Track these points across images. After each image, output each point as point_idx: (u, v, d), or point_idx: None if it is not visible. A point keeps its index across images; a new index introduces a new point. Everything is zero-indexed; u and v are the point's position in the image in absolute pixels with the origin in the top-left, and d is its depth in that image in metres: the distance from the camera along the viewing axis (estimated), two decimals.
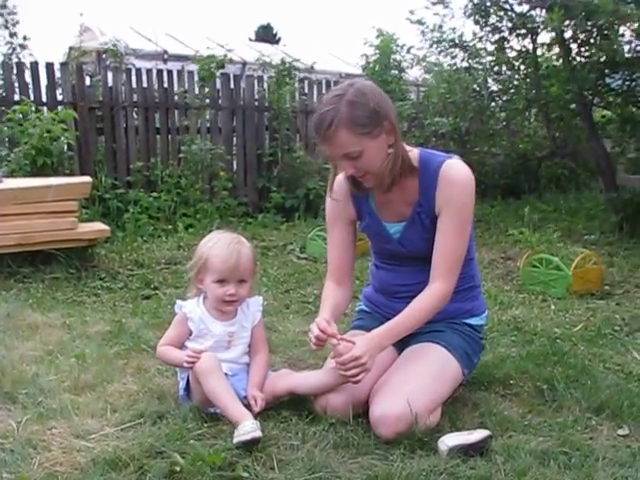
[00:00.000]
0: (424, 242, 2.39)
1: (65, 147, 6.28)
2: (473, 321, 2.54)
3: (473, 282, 2.56)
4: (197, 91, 7.47)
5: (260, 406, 2.28)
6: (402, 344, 2.43)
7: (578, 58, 6.58)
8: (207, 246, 2.41)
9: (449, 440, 2.08)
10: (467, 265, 2.45)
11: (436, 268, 2.35)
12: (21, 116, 5.95)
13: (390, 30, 9.53)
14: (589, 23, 5.72)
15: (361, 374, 2.18)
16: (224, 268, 2.36)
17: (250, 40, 18.94)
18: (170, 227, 6.61)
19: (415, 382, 2.23)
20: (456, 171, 2.34)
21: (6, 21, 7.67)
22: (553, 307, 3.94)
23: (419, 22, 7.26)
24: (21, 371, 2.77)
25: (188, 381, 2.38)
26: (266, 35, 26.18)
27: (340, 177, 2.48)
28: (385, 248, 2.54)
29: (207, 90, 7.45)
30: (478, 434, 2.11)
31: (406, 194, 2.40)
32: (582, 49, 6.48)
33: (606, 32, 5.84)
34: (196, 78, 7.51)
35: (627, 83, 6.41)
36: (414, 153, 2.40)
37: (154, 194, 6.89)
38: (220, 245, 2.38)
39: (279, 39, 25.94)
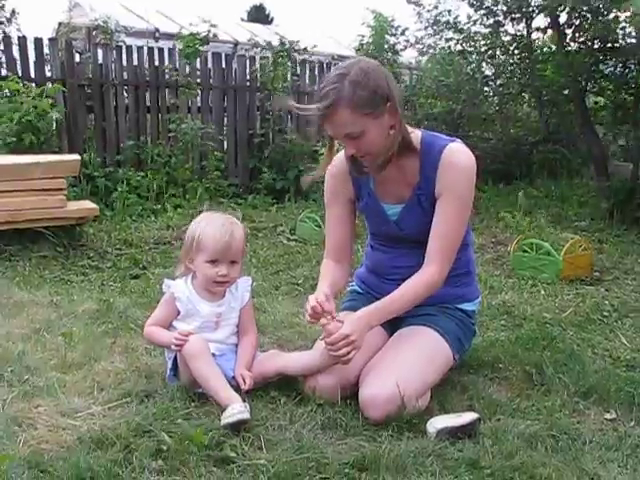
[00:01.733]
0: (422, 225, 2.37)
1: (54, 124, 6.21)
2: (466, 306, 2.53)
3: (468, 268, 2.55)
4: (187, 70, 7.38)
5: (249, 384, 2.27)
6: (393, 326, 2.43)
7: (573, 43, 6.56)
8: (200, 226, 2.39)
9: (437, 422, 2.08)
10: (463, 250, 2.44)
11: (431, 252, 2.33)
12: (8, 92, 5.86)
13: (385, 12, 9.48)
14: (584, 8, 5.69)
15: (351, 353, 2.17)
16: (217, 248, 2.33)
17: (242, 20, 18.81)
18: (159, 207, 6.56)
19: (405, 365, 2.23)
20: (459, 155, 2.32)
21: None
22: (543, 292, 3.95)
23: (415, 3, 7.22)
24: (7, 349, 2.75)
25: (175, 361, 2.36)
26: (258, 15, 25.94)
27: (341, 154, 2.44)
28: (382, 229, 2.52)
29: (188, 70, 7.34)
30: (466, 417, 2.11)
31: (406, 175, 2.37)
32: (577, 34, 6.46)
33: (601, 17, 5.82)
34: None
35: (620, 70, 6.40)
36: (416, 135, 2.37)
37: (143, 173, 6.83)
38: (214, 225, 2.36)
39: (272, 19, 25.73)
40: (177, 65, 7.35)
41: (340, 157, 2.46)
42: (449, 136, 2.43)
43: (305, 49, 8.48)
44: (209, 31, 7.43)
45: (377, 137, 2.21)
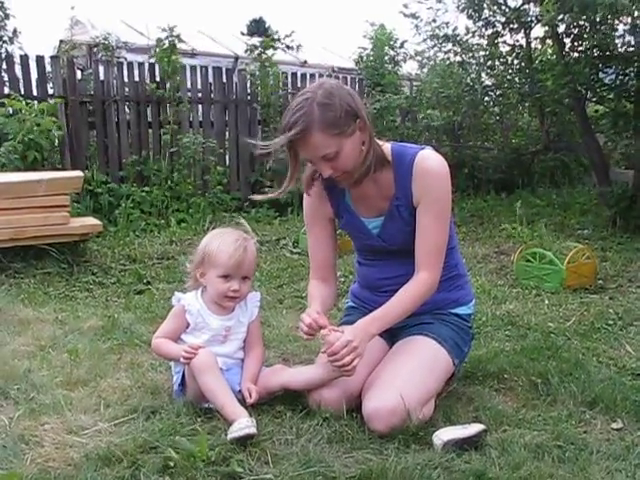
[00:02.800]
0: (404, 235, 2.39)
1: (56, 140, 6.24)
2: (460, 310, 2.54)
3: (457, 271, 2.56)
4: (189, 84, 7.39)
5: (254, 399, 2.27)
6: (392, 338, 2.45)
7: (572, 53, 6.57)
8: (214, 240, 2.41)
9: (444, 434, 2.08)
10: (449, 254, 2.44)
11: (420, 259, 2.36)
12: (11, 110, 5.90)
13: (384, 24, 9.53)
14: (583, 17, 5.71)
15: (355, 360, 2.17)
16: (230, 264, 2.35)
17: (242, 34, 18.87)
18: (162, 222, 6.58)
19: (407, 375, 2.24)
20: (431, 161, 2.34)
21: None
22: (547, 301, 3.95)
23: (413, 16, 7.25)
24: (13, 367, 2.75)
25: (183, 376, 2.37)
26: (258, 29, 26.05)
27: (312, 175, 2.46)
28: (366, 244, 2.54)
29: (190, 84, 7.32)
30: (473, 428, 2.11)
31: (382, 188, 2.40)
32: (576, 43, 6.48)
33: (599, 27, 5.84)
34: (188, 72, 7.43)
35: (620, 78, 6.41)
36: (386, 147, 2.40)
37: (146, 189, 6.86)
38: (228, 241, 2.38)
39: (271, 33, 25.85)
40: (157, 79, 7.34)
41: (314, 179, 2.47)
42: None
43: (305, 62, 8.52)
44: (169, 35, 7.33)
45: (351, 154, 2.24)
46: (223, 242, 2.38)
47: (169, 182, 7.00)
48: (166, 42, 7.30)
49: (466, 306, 2.57)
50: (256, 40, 8.13)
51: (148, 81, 7.23)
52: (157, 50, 7.29)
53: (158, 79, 7.32)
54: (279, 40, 8.14)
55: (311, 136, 2.17)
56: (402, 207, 2.38)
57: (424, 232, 2.34)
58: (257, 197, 2.73)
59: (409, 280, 2.36)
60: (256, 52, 7.98)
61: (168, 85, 7.29)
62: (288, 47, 8.43)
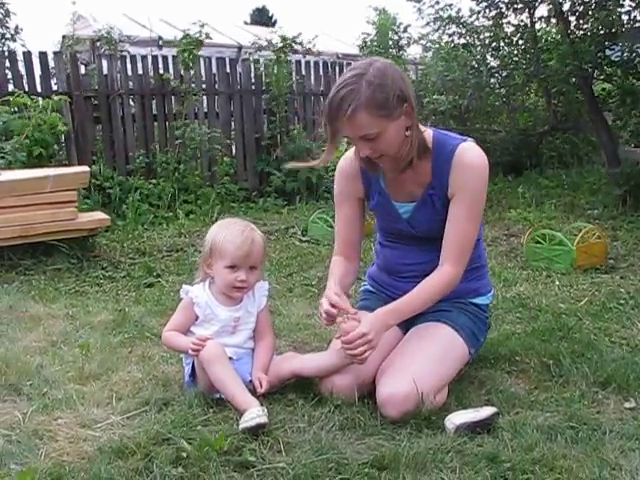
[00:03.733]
0: (433, 223, 2.37)
1: (62, 137, 6.25)
2: (479, 300, 2.53)
3: (479, 262, 2.55)
4: (192, 73, 7.37)
5: (265, 388, 2.28)
6: (408, 324, 2.42)
7: (577, 31, 6.52)
8: (221, 231, 2.41)
9: (456, 418, 2.08)
10: (474, 246, 2.43)
11: (446, 252, 2.33)
12: (16, 108, 5.90)
13: (386, 8, 9.49)
14: None
15: (367, 352, 2.17)
16: (237, 254, 2.35)
17: (245, 23, 18.83)
18: (171, 214, 6.58)
19: (421, 361, 2.23)
20: (471, 155, 2.31)
21: None
22: (557, 282, 3.93)
23: None
24: (25, 362, 2.76)
25: (194, 367, 2.37)
26: (261, 18, 26.01)
27: (348, 154, 2.44)
28: (393, 227, 2.51)
29: (193, 73, 7.33)
30: (485, 411, 2.11)
31: (418, 175, 2.36)
32: (581, 21, 6.42)
33: (605, 3, 5.78)
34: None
35: (627, 55, 6.35)
36: (428, 134, 2.35)
37: (154, 181, 6.86)
38: (234, 231, 2.38)
39: (275, 22, 25.77)
40: (181, 72, 7.36)
41: (349, 156, 2.45)
42: (460, 134, 2.42)
43: (309, 49, 8.47)
44: (200, 31, 7.35)
45: (393, 139, 2.20)
46: (229, 233, 2.38)
47: (177, 174, 7.00)
48: (196, 35, 7.31)
49: (485, 296, 2.56)
50: (276, 37, 8.10)
51: (152, 74, 7.21)
52: (183, 42, 7.28)
53: (171, 71, 7.31)
54: (300, 44, 8.10)
55: (355, 114, 2.11)
56: (436, 197, 2.36)
57: (455, 225, 2.32)
58: (294, 164, 2.67)
59: (430, 268, 2.35)
60: (272, 49, 7.95)
61: (186, 76, 7.29)
62: (308, 51, 8.39)
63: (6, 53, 6.83)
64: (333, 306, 2.26)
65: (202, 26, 7.28)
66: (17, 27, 7.76)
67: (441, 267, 2.33)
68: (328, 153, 2.36)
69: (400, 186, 2.42)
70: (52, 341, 3.09)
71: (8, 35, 7.71)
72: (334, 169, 2.60)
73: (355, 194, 2.53)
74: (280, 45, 7.91)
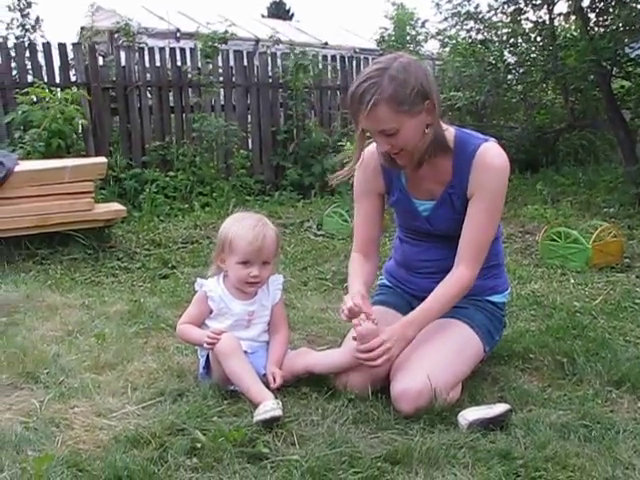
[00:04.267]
0: (452, 222, 2.37)
1: (80, 128, 6.29)
2: (496, 298, 2.52)
3: (497, 260, 2.55)
4: (210, 67, 7.40)
5: (278, 383, 2.29)
6: None
7: (596, 28, 6.47)
8: (232, 226, 2.40)
9: (469, 414, 2.09)
10: (492, 243, 2.43)
11: (462, 252, 2.33)
12: (35, 98, 5.94)
13: (404, 3, 9.46)
14: None
15: (384, 361, 2.17)
16: (249, 250, 2.35)
17: (262, 16, 18.81)
18: (186, 206, 6.61)
19: (436, 357, 2.23)
20: (493, 156, 2.30)
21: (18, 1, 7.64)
22: (572, 281, 3.92)
23: None
24: (42, 351, 2.80)
25: (208, 359, 2.39)
26: (278, 11, 26.00)
27: (371, 148, 2.43)
28: (412, 224, 2.51)
29: (210, 67, 7.36)
30: (498, 408, 2.11)
31: (438, 173, 2.36)
32: (601, 18, 6.37)
33: (625, 0, 5.74)
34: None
35: None
36: (450, 132, 2.35)
37: (170, 173, 6.89)
38: (246, 227, 2.37)
39: (292, 15, 25.75)
40: (199, 64, 7.38)
41: (371, 151, 2.44)
42: (481, 133, 2.42)
43: (326, 43, 8.47)
44: (226, 31, 7.42)
45: (412, 135, 2.20)
46: (241, 228, 2.38)
47: (192, 166, 7.03)
48: (222, 29, 7.36)
49: (501, 294, 2.56)
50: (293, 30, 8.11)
51: (169, 66, 7.23)
52: (209, 36, 7.33)
53: (189, 63, 7.33)
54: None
55: (376, 108, 2.11)
56: (455, 196, 2.35)
57: (472, 224, 2.32)
58: (337, 176, 2.51)
59: (446, 265, 2.35)
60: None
61: (205, 69, 7.32)
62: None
63: (26, 44, 6.87)
64: (356, 307, 2.26)
65: (230, 25, 7.32)
66: (38, 18, 7.79)
67: (456, 269, 2.33)
68: (359, 149, 2.37)
69: (420, 184, 2.42)
70: (68, 330, 3.12)
71: (28, 26, 7.73)
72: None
73: (376, 190, 2.53)
74: (300, 54, 7.91)
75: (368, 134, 2.29)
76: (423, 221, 2.45)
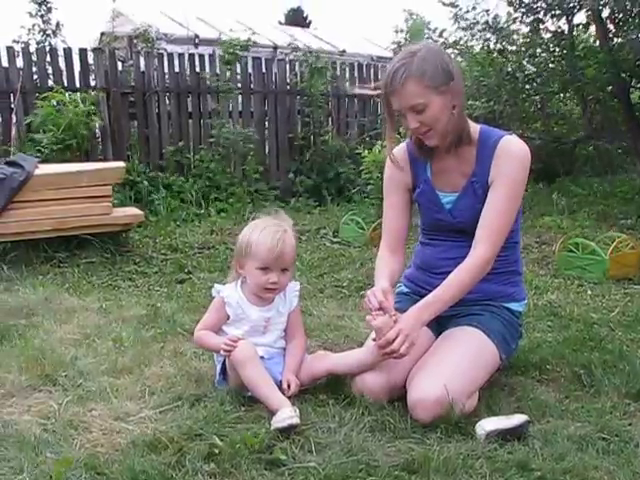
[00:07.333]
0: (474, 212, 2.39)
1: (97, 132, 6.34)
2: (513, 306, 2.52)
3: (516, 267, 2.55)
4: (228, 74, 7.44)
5: (292, 390, 2.28)
6: (440, 327, 2.44)
7: (616, 38, 6.45)
8: (254, 232, 2.40)
9: (487, 424, 2.08)
10: (512, 248, 2.48)
11: (480, 233, 2.35)
12: (55, 102, 6.00)
13: (421, 13, 9.45)
14: (627, 2, 5.60)
15: (406, 347, 2.17)
16: (269, 257, 2.35)
17: (280, 23, 18.89)
18: (203, 211, 6.64)
19: (453, 366, 2.23)
20: (514, 145, 2.39)
21: (39, 5, 7.71)
22: (589, 292, 3.90)
23: (452, 4, 7.18)
24: (60, 354, 2.81)
25: (224, 365, 2.40)
26: (296, 18, 26.06)
27: (402, 145, 2.56)
28: (435, 217, 2.54)
29: (229, 74, 7.39)
30: (516, 419, 2.10)
31: (462, 164, 2.44)
32: (620, 29, 6.35)
33: None
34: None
35: None
36: (474, 127, 2.45)
37: (186, 179, 6.92)
38: (266, 233, 2.37)
39: (310, 22, 25.82)
40: (217, 71, 7.42)
41: (401, 148, 2.57)
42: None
43: (344, 51, 8.49)
44: (249, 39, 7.47)
45: (440, 112, 2.30)
46: (262, 234, 2.38)
47: (208, 172, 7.06)
48: (243, 37, 7.42)
49: (519, 303, 2.55)
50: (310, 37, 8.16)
51: (188, 72, 7.28)
52: (231, 43, 7.41)
53: (207, 69, 7.38)
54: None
55: (406, 83, 2.25)
56: (478, 184, 2.41)
57: (491, 208, 2.36)
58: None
59: None
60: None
61: (224, 76, 7.38)
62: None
63: (47, 49, 6.94)
64: (377, 301, 2.28)
65: (252, 34, 7.38)
66: (58, 23, 7.86)
67: (474, 250, 2.34)
68: (390, 140, 2.55)
69: (445, 176, 2.49)
70: (86, 334, 3.14)
71: (49, 31, 7.80)
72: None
73: (404, 184, 2.59)
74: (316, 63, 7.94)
75: (398, 116, 2.38)
76: (446, 213, 2.49)
